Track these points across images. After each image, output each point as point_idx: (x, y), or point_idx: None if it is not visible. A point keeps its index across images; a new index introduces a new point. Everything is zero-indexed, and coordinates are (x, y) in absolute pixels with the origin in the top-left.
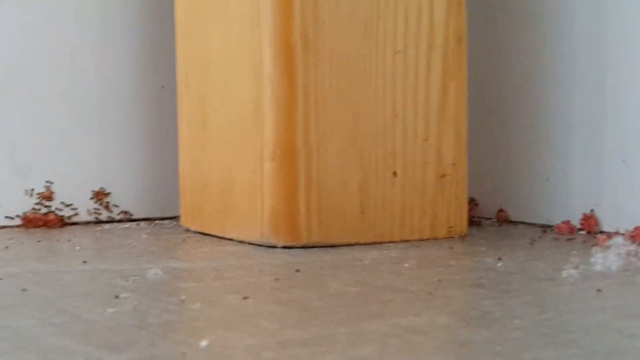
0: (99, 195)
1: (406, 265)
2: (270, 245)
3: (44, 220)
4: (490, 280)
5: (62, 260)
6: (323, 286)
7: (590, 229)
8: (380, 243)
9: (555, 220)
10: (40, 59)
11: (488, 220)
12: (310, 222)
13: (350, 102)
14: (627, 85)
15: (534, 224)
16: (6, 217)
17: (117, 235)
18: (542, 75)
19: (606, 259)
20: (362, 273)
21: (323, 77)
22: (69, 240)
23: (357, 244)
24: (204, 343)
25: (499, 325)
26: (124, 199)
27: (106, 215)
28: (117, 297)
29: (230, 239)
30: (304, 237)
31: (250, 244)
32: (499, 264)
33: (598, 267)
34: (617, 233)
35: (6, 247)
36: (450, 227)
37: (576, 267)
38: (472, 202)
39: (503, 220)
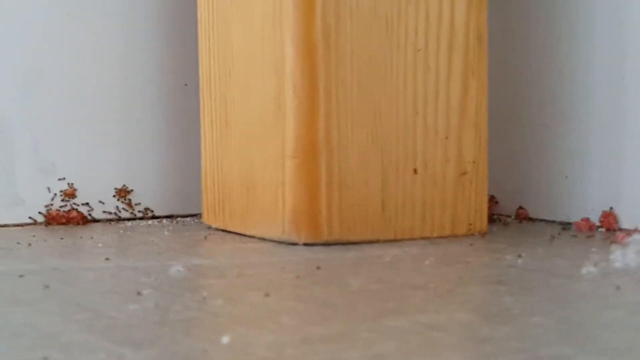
0: (122, 193)
1: (426, 262)
2: (292, 242)
3: (67, 217)
4: (510, 277)
5: (84, 257)
6: (344, 283)
7: (609, 227)
8: (401, 240)
9: (575, 217)
10: (62, 58)
11: (508, 217)
12: (332, 220)
13: (371, 100)
14: None
15: (553, 222)
16: (30, 214)
17: (139, 233)
18: (561, 73)
19: (625, 256)
20: (382, 270)
21: (344, 75)
22: (92, 238)
23: (378, 241)
24: (225, 340)
25: (518, 322)
26: (146, 197)
27: (128, 213)
28: (139, 293)
29: (251, 236)
30: (325, 235)
31: (271, 241)
32: (519, 261)
33: (617, 264)
34: (636, 230)
35: (29, 244)
36: (471, 225)
37: (595, 264)
38: (492, 200)
39: (523, 217)
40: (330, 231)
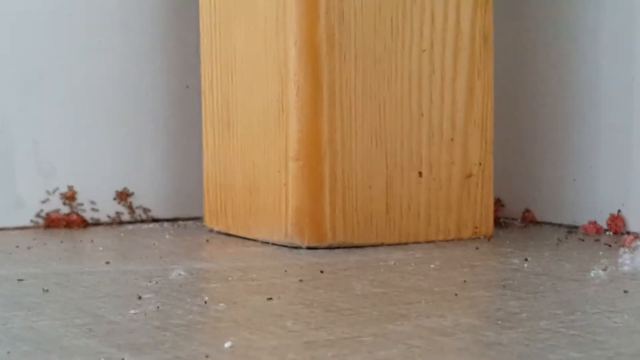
0: (122, 196)
1: (432, 266)
2: (295, 245)
3: (67, 220)
4: (517, 281)
5: (85, 261)
6: (348, 287)
7: (616, 230)
8: (406, 243)
9: (582, 220)
10: (63, 60)
11: (514, 220)
12: (335, 223)
13: (375, 102)
14: None
15: (560, 225)
16: (30, 218)
17: (140, 236)
18: (568, 76)
19: (633, 259)
20: (387, 274)
21: (348, 76)
22: (92, 241)
23: (382, 244)
24: (227, 344)
25: (525, 326)
26: (147, 200)
27: (129, 216)
28: (140, 298)
29: (254, 240)
30: (328, 238)
31: (274, 244)
32: (525, 265)
33: (625, 268)
34: None
35: (29, 248)
36: (476, 228)
37: (603, 268)
38: (498, 203)
39: (529, 220)
40: (334, 234)
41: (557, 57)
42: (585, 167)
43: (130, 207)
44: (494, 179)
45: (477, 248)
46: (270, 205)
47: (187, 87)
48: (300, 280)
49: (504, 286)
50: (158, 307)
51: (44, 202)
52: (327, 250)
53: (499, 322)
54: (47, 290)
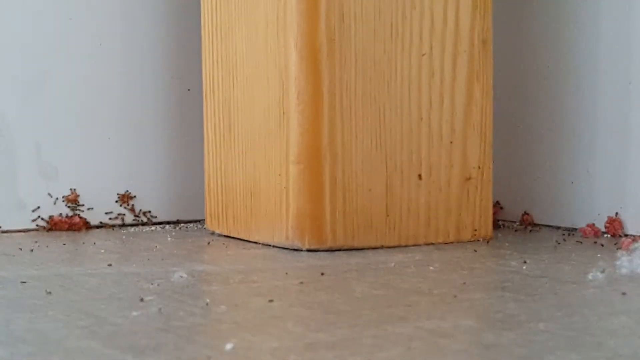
0: (124, 198)
1: (431, 268)
2: (296, 248)
3: (69, 223)
4: (515, 283)
5: (87, 263)
6: (348, 289)
7: (615, 232)
8: (405, 246)
9: (580, 223)
10: (64, 62)
11: (513, 223)
12: (336, 225)
13: (375, 105)
14: None
15: (558, 227)
16: (32, 220)
17: (142, 238)
18: (566, 79)
19: (631, 262)
20: (387, 276)
21: (348, 79)
22: (94, 243)
23: (382, 247)
24: (229, 346)
25: (524, 328)
26: (149, 202)
27: (131, 218)
28: (142, 300)
29: (255, 242)
30: (329, 240)
31: (275, 247)
32: (524, 267)
33: (623, 271)
34: None
35: (31, 250)
36: (475, 230)
37: (601, 271)
38: (497, 205)
39: (528, 223)
40: (334, 237)
41: (555, 62)
42: (583, 170)
43: (133, 210)
44: (493, 182)
45: (476, 250)
46: (271, 208)
47: (189, 90)
48: (301, 283)
49: (503, 288)
50: (160, 309)
51: (46, 204)
52: (328, 252)
53: (498, 323)
54: (50, 292)
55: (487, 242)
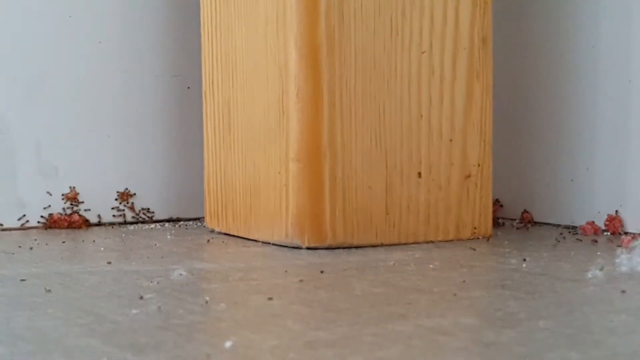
0: (124, 196)
1: (431, 266)
2: (295, 246)
3: (69, 221)
4: (515, 281)
5: (86, 261)
6: (348, 287)
7: (614, 230)
8: (405, 244)
9: (580, 221)
10: (64, 61)
11: (512, 221)
12: (335, 223)
13: (375, 103)
14: None
15: (558, 225)
16: (31, 218)
17: (141, 236)
18: (566, 77)
19: (631, 260)
20: (386, 274)
21: (348, 78)
22: (94, 241)
23: (382, 244)
24: (228, 344)
25: (523, 326)
26: (148, 200)
27: (131, 216)
28: (141, 298)
29: (254, 240)
30: (328, 238)
31: (275, 245)
32: (524, 265)
33: (623, 268)
34: None
35: (31, 248)
36: (475, 228)
37: (601, 268)
38: (497, 203)
39: (527, 221)
40: (334, 235)
41: (555, 59)
42: (583, 168)
43: (132, 208)
44: (492, 180)
45: (475, 248)
46: (271, 205)
47: (189, 88)
48: (301, 281)
49: (502, 286)
50: (159, 307)
51: (46, 202)
52: (327, 250)
53: (498, 321)
54: (49, 290)
55: (487, 240)
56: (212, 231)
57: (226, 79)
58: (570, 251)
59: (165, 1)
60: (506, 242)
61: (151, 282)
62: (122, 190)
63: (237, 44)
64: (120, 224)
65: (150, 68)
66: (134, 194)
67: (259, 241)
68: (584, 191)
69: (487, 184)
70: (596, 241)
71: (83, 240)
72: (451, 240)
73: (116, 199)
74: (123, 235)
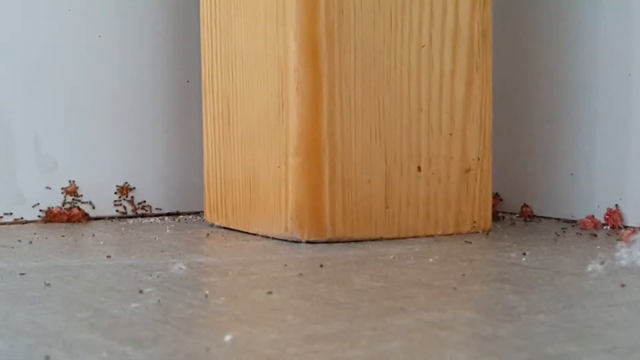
0: (123, 190)
1: (430, 260)
2: (295, 240)
3: (68, 214)
4: (515, 275)
5: (86, 255)
6: (347, 281)
7: (614, 224)
8: (405, 238)
9: (580, 215)
10: (63, 54)
11: (512, 215)
12: (335, 217)
13: (375, 97)
14: None
15: (558, 219)
16: (30, 211)
17: (141, 230)
18: (566, 70)
19: (631, 254)
20: (386, 268)
21: (348, 71)
22: (93, 235)
23: (382, 238)
24: (228, 338)
25: (523, 320)
26: (148, 194)
27: (130, 210)
28: (141, 292)
29: (254, 234)
30: (328, 232)
31: (274, 238)
32: (523, 259)
33: (622, 262)
34: None
35: (30, 242)
36: (475, 222)
37: (600, 262)
38: (497, 197)
39: (527, 215)
40: (333, 229)
41: (555, 53)
42: (583, 162)
43: (131, 202)
44: (492, 174)
45: (475, 242)
46: (270, 199)
47: (188, 81)
48: (300, 274)
49: (502, 280)
50: (159, 301)
51: (45, 196)
52: (327, 244)
53: (497, 315)
54: (49, 284)
55: (487, 234)
56: (212, 225)
57: (225, 72)
58: (570, 245)
59: None
60: (506, 236)
61: (151, 276)
62: (121, 184)
63: (237, 38)
64: (119, 217)
65: (149, 62)
66: (134, 187)
67: (258, 235)
68: (584, 185)
69: (487, 178)
70: (596, 235)
71: (82, 234)
72: (451, 234)
73: (115, 193)
74: (122, 229)
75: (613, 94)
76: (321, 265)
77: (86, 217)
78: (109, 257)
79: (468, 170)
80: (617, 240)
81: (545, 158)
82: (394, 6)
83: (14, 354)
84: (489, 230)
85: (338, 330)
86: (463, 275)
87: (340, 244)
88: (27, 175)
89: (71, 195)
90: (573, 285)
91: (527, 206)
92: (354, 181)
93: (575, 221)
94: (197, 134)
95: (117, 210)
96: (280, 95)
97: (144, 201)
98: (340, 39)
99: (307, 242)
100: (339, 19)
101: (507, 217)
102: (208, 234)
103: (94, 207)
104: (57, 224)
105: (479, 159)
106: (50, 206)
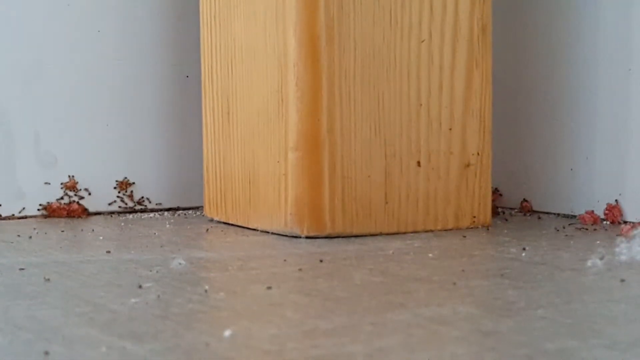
0: (123, 185)
1: (430, 255)
2: (294, 235)
3: (68, 210)
4: (514, 270)
5: (85, 250)
6: (347, 276)
7: (614, 219)
8: (404, 233)
9: (579, 210)
10: (63, 50)
11: (512, 210)
12: (334, 212)
13: (374, 92)
14: None
15: (557, 214)
16: (30, 207)
17: (140, 225)
18: (566, 66)
19: (630, 249)
20: (385, 263)
21: (347, 67)
22: (93, 230)
23: (381, 234)
24: (227, 333)
25: (523, 315)
26: (147, 189)
27: (130, 205)
28: (140, 287)
29: (254, 229)
30: (327, 227)
31: (273, 234)
32: (523, 254)
33: (622, 257)
34: None
35: (30, 237)
36: (474, 217)
37: (600, 257)
38: (496, 192)
39: (527, 210)
40: (333, 224)
41: (554, 48)
42: (583, 157)
43: (131, 197)
44: (492, 169)
45: (475, 237)
46: (270, 195)
47: (187, 77)
48: (300, 270)
49: (502, 275)
50: (158, 296)
51: (45, 191)
52: (326, 239)
53: (497, 310)
54: (48, 279)
55: (486, 229)
56: (211, 220)
57: (225, 68)
58: (569, 240)
59: None
60: (505, 231)
61: (150, 271)
62: (121, 179)
63: (236, 33)
64: (119, 213)
65: (149, 57)
66: (133, 183)
67: (258, 230)
68: (584, 180)
69: (487, 173)
70: (596, 230)
71: (82, 229)
72: (450, 230)
73: (115, 188)
74: (122, 224)
75: (613, 90)
76: (321, 261)
77: (86, 212)
78: (108, 252)
79: (468, 166)
80: (617, 235)
81: (545, 153)
82: (394, 2)
83: (13, 349)
84: (489, 225)
85: (337, 325)
86: (462, 270)
87: (339, 239)
88: (27, 170)
89: (71, 190)
90: (573, 280)
91: (526, 201)
92: (354, 176)
93: (575, 216)
94: (196, 130)
95: (119, 207)
96: (279, 90)
97: (147, 197)
98: (340, 35)
99: (307, 237)
100: (338, 14)
101: (506, 212)
102: (207, 229)
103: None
104: (56, 219)
105: (478, 154)
106: (50, 201)
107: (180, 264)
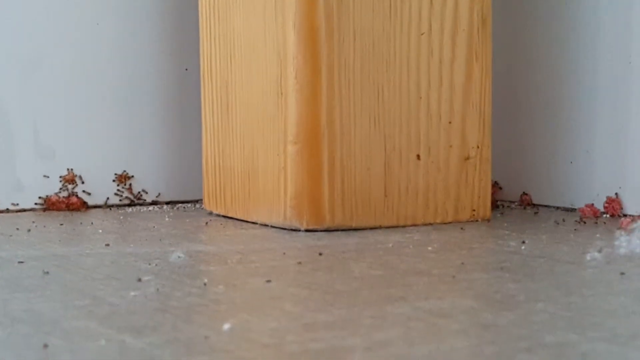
0: (122, 179)
1: (429, 248)
2: (294, 228)
3: (67, 203)
4: (514, 264)
5: (84, 243)
6: (346, 269)
7: (614, 212)
8: (404, 226)
9: (579, 203)
10: (62, 44)
11: (512, 203)
12: (334, 206)
13: (374, 85)
14: None
15: (557, 208)
16: (29, 200)
17: (140, 219)
18: (565, 59)
19: (630, 242)
20: (385, 256)
21: (347, 59)
22: (92, 224)
23: (381, 227)
24: (227, 326)
25: (522, 309)
26: (146, 182)
27: (129, 199)
28: (139, 280)
29: (253, 222)
30: (327, 221)
31: (273, 227)
32: (523, 247)
33: (622, 250)
34: None
35: (29, 230)
36: (474, 210)
37: (600, 251)
38: (496, 186)
39: (527, 203)
40: (332, 217)
41: (554, 41)
42: (583, 151)
43: (130, 190)
44: (492, 162)
45: (474, 231)
46: (269, 188)
47: (186, 70)
48: (299, 263)
49: (501, 268)
50: (157, 289)
51: (44, 184)
52: (326, 232)
53: (497, 303)
54: (47, 273)
55: (486, 222)
56: (211, 213)
57: (224, 60)
58: (569, 233)
59: None
60: (505, 225)
61: (149, 264)
62: (120, 172)
63: (236, 25)
64: (118, 206)
65: (148, 49)
66: (132, 176)
67: (257, 223)
68: (583, 173)
69: (486, 166)
70: (595, 223)
71: (81, 223)
72: (450, 223)
73: (114, 181)
74: (121, 217)
75: (613, 82)
76: (320, 254)
77: (85, 206)
78: (107, 245)
79: (467, 159)
80: (617, 228)
81: (545, 146)
82: None
83: (12, 342)
84: (488, 218)
85: (337, 318)
86: (462, 263)
87: (339, 232)
88: (26, 163)
89: (70, 184)
90: (572, 273)
91: (526, 194)
92: (353, 169)
93: (575, 209)
94: (195, 122)
95: (119, 200)
96: (279, 83)
97: (146, 191)
98: (340, 27)
99: (306, 230)
100: (338, 6)
101: (506, 205)
102: (207, 223)
103: (89, 194)
104: (55, 212)
105: (478, 147)
106: (48, 194)
107: (179, 257)
